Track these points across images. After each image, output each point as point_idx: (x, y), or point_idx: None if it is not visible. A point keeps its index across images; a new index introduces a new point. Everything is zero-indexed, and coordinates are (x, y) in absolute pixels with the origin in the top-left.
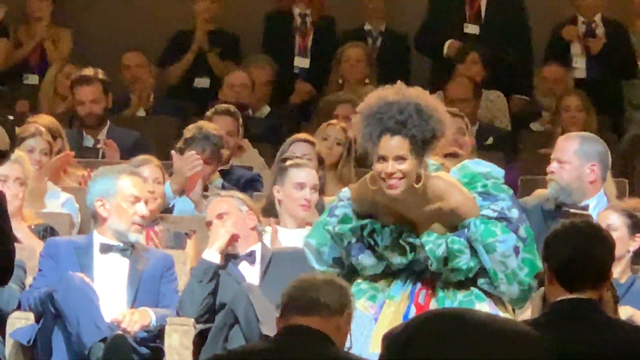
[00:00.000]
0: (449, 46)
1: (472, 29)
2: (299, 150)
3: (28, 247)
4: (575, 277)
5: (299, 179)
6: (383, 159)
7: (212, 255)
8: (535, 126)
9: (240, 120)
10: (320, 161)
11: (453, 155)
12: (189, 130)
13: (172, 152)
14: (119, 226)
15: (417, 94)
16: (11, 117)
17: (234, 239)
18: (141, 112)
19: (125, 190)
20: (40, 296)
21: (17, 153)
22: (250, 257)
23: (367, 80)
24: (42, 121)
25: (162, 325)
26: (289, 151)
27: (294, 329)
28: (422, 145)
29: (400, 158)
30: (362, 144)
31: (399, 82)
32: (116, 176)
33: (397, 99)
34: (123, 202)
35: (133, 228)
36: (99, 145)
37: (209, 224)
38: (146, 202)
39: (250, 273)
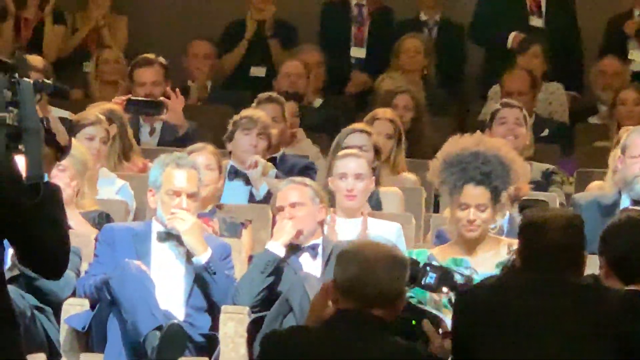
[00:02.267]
0: (513, 38)
1: (536, 21)
2: (355, 140)
3: (83, 234)
4: (632, 270)
5: (341, 169)
6: (465, 206)
7: (277, 248)
8: (593, 120)
9: (285, 107)
10: (377, 151)
11: None
12: (235, 117)
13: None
14: (163, 218)
15: (498, 146)
16: (70, 118)
17: (299, 233)
18: (196, 101)
19: (168, 184)
20: (96, 283)
21: (75, 143)
22: (313, 250)
23: (425, 72)
24: (103, 107)
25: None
26: (345, 141)
27: (351, 315)
28: (499, 194)
29: (481, 206)
30: (441, 188)
31: (478, 132)
32: (163, 168)
33: (481, 149)
34: (165, 195)
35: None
36: (161, 98)
37: (280, 209)
38: (192, 196)
39: (312, 266)
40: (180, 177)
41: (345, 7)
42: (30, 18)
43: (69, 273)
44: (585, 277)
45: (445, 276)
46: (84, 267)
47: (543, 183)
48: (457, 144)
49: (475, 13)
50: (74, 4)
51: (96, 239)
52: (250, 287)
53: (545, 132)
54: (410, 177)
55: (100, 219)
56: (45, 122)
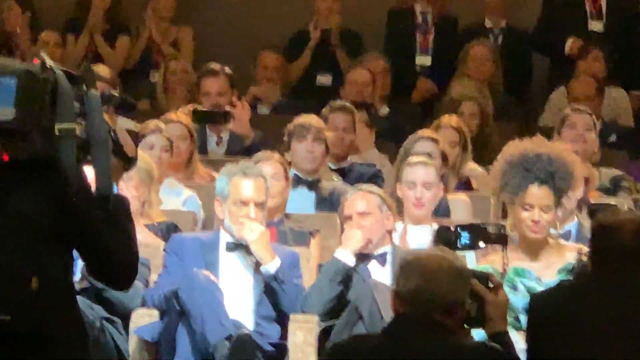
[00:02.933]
0: (571, 44)
1: (595, 25)
2: (423, 148)
3: (152, 245)
4: None
5: (410, 177)
6: (530, 206)
7: (346, 256)
8: None
9: (356, 116)
10: (444, 159)
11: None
12: (289, 126)
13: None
14: (231, 228)
15: (561, 149)
16: (136, 130)
17: (368, 241)
18: (264, 110)
19: (235, 194)
20: (165, 293)
21: (140, 153)
22: (381, 258)
23: (491, 79)
24: (179, 118)
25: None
26: (413, 149)
27: (414, 319)
28: (562, 196)
29: (545, 208)
30: (502, 192)
31: (538, 135)
32: (230, 178)
33: (544, 151)
34: (232, 205)
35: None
36: (227, 107)
37: (347, 217)
38: (260, 205)
39: (381, 274)
40: (248, 187)
41: (410, 15)
42: (95, 31)
43: (138, 284)
44: None
45: (478, 232)
46: (153, 277)
47: (611, 189)
48: (518, 147)
49: (538, 21)
50: (139, 15)
51: (164, 250)
52: (319, 296)
53: (613, 138)
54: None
55: (168, 230)
56: (112, 133)
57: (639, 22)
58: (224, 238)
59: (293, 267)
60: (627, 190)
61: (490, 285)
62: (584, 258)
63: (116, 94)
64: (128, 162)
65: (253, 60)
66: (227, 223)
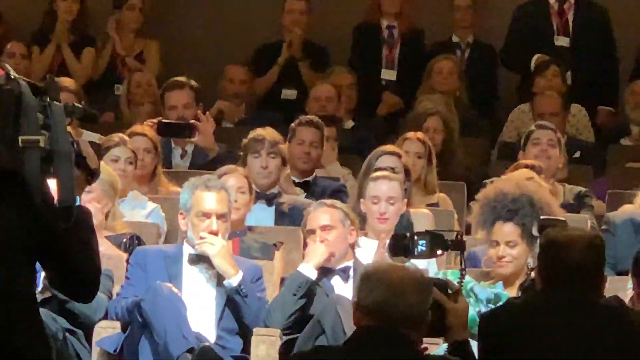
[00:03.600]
0: (535, 60)
1: (562, 41)
2: (386, 162)
3: (115, 256)
4: None
5: (374, 192)
6: (496, 243)
7: (309, 270)
8: (625, 141)
9: (325, 131)
10: (407, 173)
11: (532, 168)
12: (244, 141)
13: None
14: (193, 241)
15: (534, 189)
16: (98, 141)
17: (331, 255)
18: (229, 124)
19: (197, 206)
20: (127, 305)
21: (104, 166)
22: (344, 273)
23: (457, 93)
24: (144, 130)
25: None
26: (376, 163)
27: (377, 332)
28: (532, 235)
29: (510, 243)
30: (477, 229)
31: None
32: (192, 190)
33: (513, 190)
34: (195, 217)
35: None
36: (192, 121)
37: (311, 231)
38: (222, 217)
39: (343, 289)
40: (210, 199)
41: (376, 29)
42: (61, 42)
43: (101, 295)
44: (609, 298)
45: (435, 239)
46: (116, 289)
47: (575, 205)
48: (494, 188)
49: (506, 36)
50: (104, 27)
51: (128, 262)
52: (282, 309)
53: (577, 154)
54: (442, 196)
55: (132, 242)
56: (75, 145)
57: (605, 37)
58: (187, 251)
59: (256, 280)
60: (591, 207)
61: (449, 291)
62: (533, 274)
63: (79, 106)
64: (91, 174)
65: (219, 74)
66: (190, 235)
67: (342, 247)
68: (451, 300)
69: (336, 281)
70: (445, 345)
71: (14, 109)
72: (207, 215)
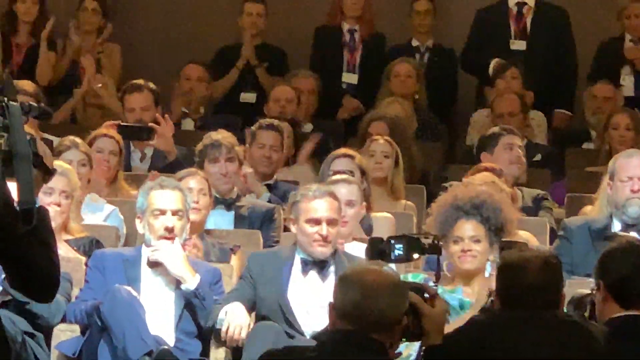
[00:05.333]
0: (493, 65)
1: (518, 45)
2: (341, 165)
3: (74, 259)
4: (632, 294)
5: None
6: (460, 239)
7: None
8: (586, 145)
9: (285, 135)
10: (363, 173)
11: (490, 170)
12: (199, 146)
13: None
14: (150, 242)
15: (489, 190)
16: (51, 138)
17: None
18: (189, 126)
19: (152, 205)
20: (86, 308)
21: (64, 165)
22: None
23: (416, 96)
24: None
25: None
26: (331, 167)
27: (349, 336)
28: (494, 232)
29: (474, 238)
30: (437, 232)
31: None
32: (147, 192)
33: (474, 192)
34: (151, 216)
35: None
36: (150, 124)
37: (313, 221)
38: (178, 214)
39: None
40: (164, 196)
41: (338, 33)
42: (21, 43)
43: (60, 298)
44: (569, 308)
45: (411, 243)
46: (75, 292)
47: (533, 208)
48: (450, 193)
49: (466, 40)
50: (66, 31)
51: (87, 265)
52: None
53: (538, 157)
54: (409, 204)
55: (90, 245)
56: (32, 144)
57: (563, 40)
58: (146, 254)
59: (214, 283)
60: (549, 210)
61: (426, 295)
62: (492, 296)
63: (35, 105)
64: (48, 173)
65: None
66: (148, 237)
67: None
68: (428, 304)
69: (312, 275)
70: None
71: None
72: (162, 212)
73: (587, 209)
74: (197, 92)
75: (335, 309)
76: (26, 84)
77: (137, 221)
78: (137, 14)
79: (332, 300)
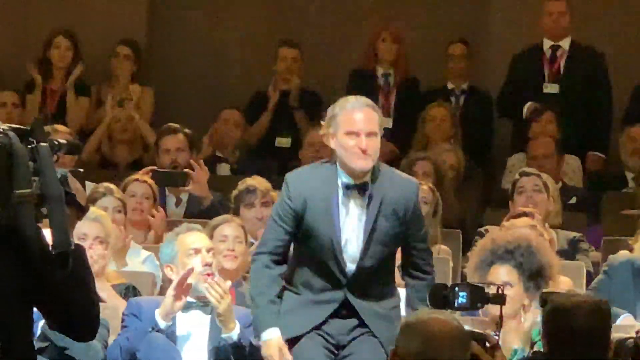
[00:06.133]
0: (527, 108)
1: (551, 88)
2: None
3: (111, 306)
4: None
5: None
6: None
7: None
8: (622, 188)
9: None
10: None
11: (522, 216)
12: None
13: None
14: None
15: (529, 233)
16: (81, 170)
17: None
18: (224, 171)
19: (184, 247)
20: (122, 354)
21: (97, 212)
22: (362, 190)
23: (452, 140)
24: (143, 177)
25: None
26: None
27: None
28: (529, 277)
29: (507, 284)
30: (473, 274)
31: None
32: (174, 238)
33: (511, 236)
34: (185, 259)
35: (202, 279)
36: (185, 170)
37: (353, 133)
38: (211, 250)
39: (361, 208)
40: (195, 236)
41: (372, 77)
42: (55, 89)
43: (97, 344)
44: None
45: (476, 292)
46: (112, 339)
47: (569, 251)
48: (490, 237)
49: (502, 84)
50: (99, 76)
51: (123, 313)
52: None
53: (573, 200)
54: (444, 249)
55: (128, 292)
56: (64, 182)
57: (600, 82)
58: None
59: (248, 325)
60: (586, 252)
61: (487, 345)
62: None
63: (63, 142)
64: (81, 210)
65: (213, 121)
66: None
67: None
68: (488, 354)
69: (353, 196)
70: None
71: (6, 163)
72: (196, 250)
73: (623, 252)
74: (232, 137)
75: (398, 356)
76: (59, 127)
77: (167, 270)
78: (172, 58)
79: (394, 345)
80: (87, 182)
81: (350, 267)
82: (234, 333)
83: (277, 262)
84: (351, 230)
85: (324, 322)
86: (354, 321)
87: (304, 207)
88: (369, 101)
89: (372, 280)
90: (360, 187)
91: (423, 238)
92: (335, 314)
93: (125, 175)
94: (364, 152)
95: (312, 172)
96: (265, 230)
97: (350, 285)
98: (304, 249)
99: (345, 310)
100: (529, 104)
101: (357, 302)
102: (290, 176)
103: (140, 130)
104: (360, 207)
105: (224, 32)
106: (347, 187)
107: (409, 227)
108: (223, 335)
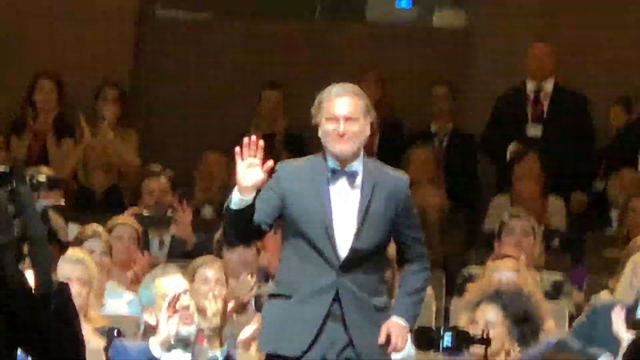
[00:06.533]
0: (510, 150)
1: (534, 130)
2: None
3: (93, 348)
4: None
5: None
6: (476, 322)
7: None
8: (607, 230)
9: None
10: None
11: (507, 257)
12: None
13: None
14: (171, 328)
15: (515, 278)
16: (63, 203)
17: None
18: (208, 213)
19: (161, 291)
20: None
21: (80, 253)
22: (352, 176)
23: (435, 182)
24: (128, 220)
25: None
26: None
27: None
28: (514, 322)
29: (491, 324)
30: (462, 314)
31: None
32: (152, 282)
33: (495, 276)
34: (163, 302)
35: (180, 323)
36: (169, 213)
37: (332, 119)
38: (187, 292)
39: (349, 194)
40: (171, 280)
41: None
42: (40, 132)
43: None
44: None
45: (461, 334)
46: None
47: (553, 293)
48: (487, 278)
49: (485, 126)
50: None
51: (108, 356)
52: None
53: (556, 242)
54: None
55: (111, 335)
56: (45, 216)
57: (580, 125)
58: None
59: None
60: (568, 294)
61: None
62: None
63: (42, 179)
64: (63, 247)
65: (197, 162)
66: (164, 326)
67: (361, 141)
68: None
69: (343, 184)
70: None
71: None
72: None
73: (604, 293)
74: (216, 179)
75: None
76: (42, 168)
77: (146, 315)
78: (156, 100)
79: None
80: (70, 224)
81: (343, 248)
82: (219, 352)
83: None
84: (342, 211)
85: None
86: (339, 333)
87: (292, 191)
88: (354, 87)
89: (366, 269)
90: (349, 174)
91: (417, 227)
92: (324, 322)
93: (103, 205)
94: (341, 136)
95: (302, 160)
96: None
97: (343, 269)
98: (295, 237)
99: (333, 318)
100: (511, 145)
101: (348, 297)
102: (280, 163)
103: (116, 157)
104: (351, 191)
105: (208, 74)
106: (333, 172)
107: (401, 216)
108: (209, 355)
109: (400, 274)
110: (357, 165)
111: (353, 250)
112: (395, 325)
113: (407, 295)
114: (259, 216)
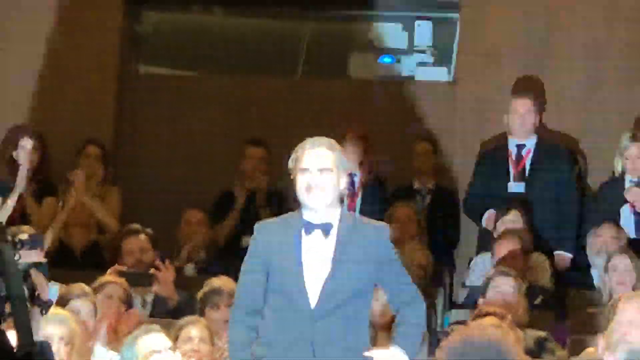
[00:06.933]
0: (487, 217)
1: (516, 187)
2: None
3: None
4: None
5: None
6: None
7: None
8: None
9: None
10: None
11: (489, 314)
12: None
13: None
14: None
15: (502, 337)
16: (45, 261)
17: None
18: (190, 272)
19: (144, 350)
20: None
21: (63, 313)
22: (325, 229)
23: (417, 239)
24: (115, 279)
25: None
26: None
27: None
28: None
29: None
30: None
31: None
32: (134, 342)
33: (481, 340)
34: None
35: None
36: (151, 271)
37: (304, 170)
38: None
39: (323, 245)
40: (154, 339)
41: None
42: (23, 193)
43: None
44: None
45: None
46: None
47: (536, 351)
48: (460, 338)
49: (468, 186)
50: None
51: None
52: None
53: (539, 300)
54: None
55: None
56: (26, 276)
57: (563, 181)
58: None
59: None
60: (551, 352)
61: None
62: None
63: (25, 237)
64: (45, 307)
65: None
66: None
67: (335, 193)
68: None
69: (316, 236)
70: None
71: None
72: (154, 352)
73: (588, 350)
74: (197, 237)
75: None
76: (24, 228)
77: None
78: (138, 158)
79: None
80: (52, 282)
81: (315, 296)
82: None
83: (251, 314)
84: (314, 261)
85: None
86: None
87: (269, 250)
88: (327, 140)
89: (343, 318)
90: (322, 227)
91: (403, 271)
92: None
93: (83, 262)
94: (314, 187)
95: (279, 218)
96: (237, 285)
97: (317, 317)
98: (272, 294)
99: None
100: (488, 212)
101: (323, 346)
102: (257, 224)
103: (94, 218)
104: (325, 241)
105: (191, 131)
106: (307, 225)
107: (384, 263)
108: None
109: (397, 317)
110: (332, 218)
111: (325, 296)
112: (395, 354)
113: (408, 327)
114: (257, 303)
